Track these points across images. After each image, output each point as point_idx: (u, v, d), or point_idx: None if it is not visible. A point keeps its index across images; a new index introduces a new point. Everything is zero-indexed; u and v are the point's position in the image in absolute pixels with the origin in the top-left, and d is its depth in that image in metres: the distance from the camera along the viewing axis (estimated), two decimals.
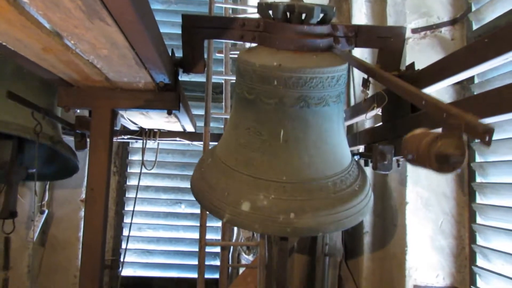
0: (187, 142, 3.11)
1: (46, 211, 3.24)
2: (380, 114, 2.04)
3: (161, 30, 1.50)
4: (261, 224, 1.35)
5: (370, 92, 2.11)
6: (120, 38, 1.21)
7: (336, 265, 2.99)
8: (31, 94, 1.96)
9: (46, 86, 2.25)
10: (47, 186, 3.29)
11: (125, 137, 2.98)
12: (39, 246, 3.31)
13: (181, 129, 2.96)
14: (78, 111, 2.39)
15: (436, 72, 1.57)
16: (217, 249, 3.51)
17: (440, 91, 2.29)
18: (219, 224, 3.44)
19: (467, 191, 2.26)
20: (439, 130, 1.54)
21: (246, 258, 3.41)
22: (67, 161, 2.58)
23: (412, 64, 1.85)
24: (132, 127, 2.90)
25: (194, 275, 3.61)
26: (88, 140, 2.45)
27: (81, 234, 3.40)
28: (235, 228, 3.60)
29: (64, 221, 3.38)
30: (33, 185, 3.15)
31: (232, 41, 1.86)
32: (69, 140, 2.48)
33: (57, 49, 1.28)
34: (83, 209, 3.42)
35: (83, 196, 3.44)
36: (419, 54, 2.39)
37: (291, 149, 1.44)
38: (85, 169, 3.31)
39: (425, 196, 2.28)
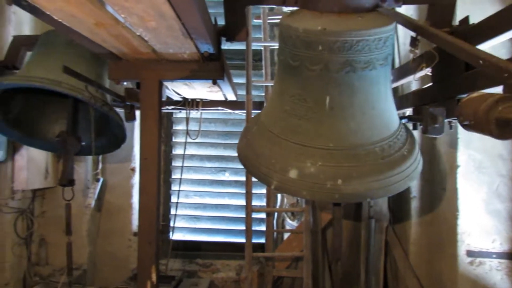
0: (229, 111, 3.13)
1: (101, 179, 3.43)
2: (430, 74, 1.96)
3: None
4: (309, 191, 1.36)
5: (418, 52, 2.02)
6: (167, 9, 1.22)
7: (382, 230, 2.99)
8: (83, 65, 2.03)
9: (95, 58, 2.33)
10: (100, 157, 3.46)
11: (170, 107, 3.05)
12: (96, 211, 3.54)
13: (223, 98, 2.98)
14: (126, 83, 2.48)
15: (492, 26, 1.47)
16: (262, 215, 3.59)
17: (496, 46, 2.15)
18: (264, 191, 3.50)
19: None
20: (492, 89, 1.47)
21: (291, 224, 3.48)
22: (115, 134, 2.69)
23: (466, 19, 1.74)
24: (176, 97, 2.96)
25: (240, 239, 3.74)
26: (136, 111, 2.54)
27: (133, 200, 3.59)
28: (279, 195, 3.65)
29: (117, 188, 3.58)
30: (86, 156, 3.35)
31: (275, 6, 1.82)
32: (119, 111, 2.57)
33: (108, 24, 1.31)
34: (133, 177, 3.59)
35: (133, 165, 3.60)
36: (472, 6, 2.23)
37: (337, 116, 1.43)
38: (132, 140, 3.46)
39: (477, 158, 2.20)
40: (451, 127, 1.90)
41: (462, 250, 2.20)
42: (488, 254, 2.17)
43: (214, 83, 1.99)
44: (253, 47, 3.19)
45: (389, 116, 1.54)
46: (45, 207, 3.53)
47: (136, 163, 3.59)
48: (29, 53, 2.68)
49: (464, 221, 2.20)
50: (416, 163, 1.54)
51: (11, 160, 3.10)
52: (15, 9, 2.98)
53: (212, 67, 1.92)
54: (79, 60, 2.13)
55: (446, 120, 1.78)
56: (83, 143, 2.48)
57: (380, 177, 1.37)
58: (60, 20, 1.27)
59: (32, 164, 3.14)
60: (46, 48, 2.34)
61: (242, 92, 3.06)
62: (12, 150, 3.10)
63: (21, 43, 2.66)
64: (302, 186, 1.37)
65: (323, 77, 1.41)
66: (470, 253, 2.19)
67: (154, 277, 1.81)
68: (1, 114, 2.50)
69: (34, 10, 1.27)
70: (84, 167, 3.43)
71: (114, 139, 2.73)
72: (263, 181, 1.52)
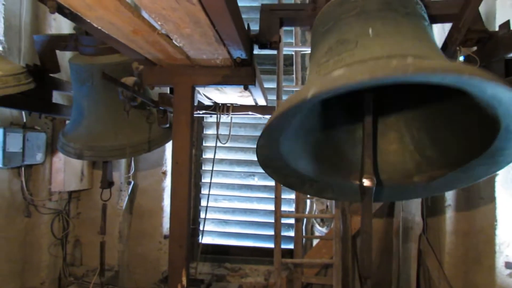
0: (259, 115, 3.14)
1: (132, 182, 3.51)
2: None
3: None
4: (366, 72, 0.92)
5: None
6: (202, 16, 1.24)
7: (415, 239, 2.91)
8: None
9: None
10: (132, 160, 3.55)
11: (200, 112, 3.08)
12: (127, 213, 3.62)
13: (253, 103, 2.99)
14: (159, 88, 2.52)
15: None
16: (291, 221, 3.57)
17: None
18: (293, 196, 3.49)
19: None
20: None
21: (320, 230, 3.44)
22: None
23: (507, 23, 1.68)
24: (207, 102, 2.99)
25: (268, 244, 3.73)
26: (168, 116, 2.59)
27: (164, 203, 3.65)
28: (308, 201, 3.62)
29: (149, 192, 3.65)
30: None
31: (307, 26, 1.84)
32: None
33: (145, 31, 1.35)
34: (164, 181, 3.66)
35: (164, 168, 3.67)
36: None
37: (385, 39, 1.18)
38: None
39: None
40: None
41: (500, 261, 2.12)
42: None
43: (246, 88, 2.00)
44: (284, 52, 3.20)
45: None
46: (80, 209, 3.65)
47: (168, 166, 3.66)
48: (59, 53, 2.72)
49: (502, 231, 2.12)
50: None
51: (49, 162, 3.22)
52: (55, 16, 3.08)
53: (244, 72, 1.93)
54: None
55: None
56: None
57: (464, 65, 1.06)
58: (99, 27, 1.31)
59: (68, 167, 3.26)
60: (92, 96, 2.41)
61: (272, 97, 3.07)
62: (50, 153, 3.23)
63: (49, 44, 2.57)
64: (356, 71, 0.98)
65: (361, 16, 1.26)
66: (508, 265, 2.10)
67: (184, 280, 1.83)
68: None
69: (75, 18, 1.33)
70: (117, 171, 3.52)
71: None
72: (294, 103, 1.01)
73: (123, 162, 3.53)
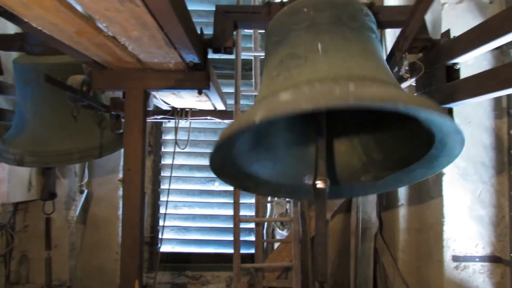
0: (218, 120, 3.12)
1: (86, 191, 3.38)
2: (414, 84, 1.98)
3: (189, 7, 1.49)
4: (310, 100, 0.97)
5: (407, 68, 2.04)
6: (149, 18, 1.21)
7: (371, 238, 2.99)
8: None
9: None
10: (86, 167, 3.41)
11: (158, 117, 3.02)
12: (80, 224, 3.47)
13: (212, 108, 2.97)
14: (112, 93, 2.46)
15: (473, 39, 1.48)
16: (252, 225, 3.57)
17: (478, 57, 2.20)
18: (253, 200, 3.49)
19: (507, 160, 2.19)
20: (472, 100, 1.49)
21: (281, 234, 3.46)
22: None
23: (447, 32, 1.77)
24: (165, 107, 2.94)
25: (230, 250, 3.69)
26: (122, 121, 2.52)
27: (120, 212, 3.54)
28: (269, 205, 3.64)
29: (104, 200, 3.52)
30: (73, 166, 3.30)
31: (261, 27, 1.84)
32: None
33: (90, 32, 1.30)
34: (120, 189, 3.55)
35: (120, 176, 3.56)
36: (456, 19, 2.29)
37: (334, 56, 1.22)
38: (120, 150, 3.41)
39: (462, 166, 2.23)
40: None
41: (448, 255, 2.23)
42: (471, 258, 2.22)
43: (200, 93, 1.98)
44: (243, 57, 3.20)
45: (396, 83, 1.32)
46: (27, 221, 3.42)
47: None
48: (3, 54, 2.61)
49: (449, 227, 2.23)
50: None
51: None
52: None
53: (197, 77, 1.91)
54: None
55: None
56: None
57: (403, 91, 1.13)
58: (39, 28, 1.26)
59: (14, 176, 3.03)
60: (36, 98, 2.27)
61: (233, 101, 3.06)
62: None
63: None
64: (300, 99, 1.00)
65: (312, 29, 1.29)
66: (455, 258, 2.22)
67: None
68: None
69: (12, 18, 1.26)
70: (69, 179, 3.38)
71: None
72: (244, 125, 1.05)
73: (75, 169, 3.40)
